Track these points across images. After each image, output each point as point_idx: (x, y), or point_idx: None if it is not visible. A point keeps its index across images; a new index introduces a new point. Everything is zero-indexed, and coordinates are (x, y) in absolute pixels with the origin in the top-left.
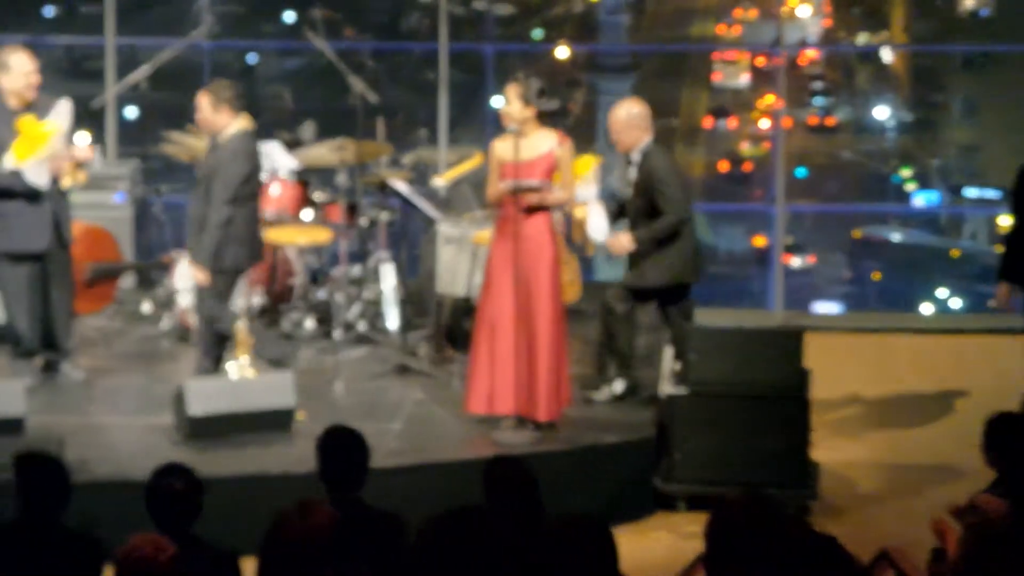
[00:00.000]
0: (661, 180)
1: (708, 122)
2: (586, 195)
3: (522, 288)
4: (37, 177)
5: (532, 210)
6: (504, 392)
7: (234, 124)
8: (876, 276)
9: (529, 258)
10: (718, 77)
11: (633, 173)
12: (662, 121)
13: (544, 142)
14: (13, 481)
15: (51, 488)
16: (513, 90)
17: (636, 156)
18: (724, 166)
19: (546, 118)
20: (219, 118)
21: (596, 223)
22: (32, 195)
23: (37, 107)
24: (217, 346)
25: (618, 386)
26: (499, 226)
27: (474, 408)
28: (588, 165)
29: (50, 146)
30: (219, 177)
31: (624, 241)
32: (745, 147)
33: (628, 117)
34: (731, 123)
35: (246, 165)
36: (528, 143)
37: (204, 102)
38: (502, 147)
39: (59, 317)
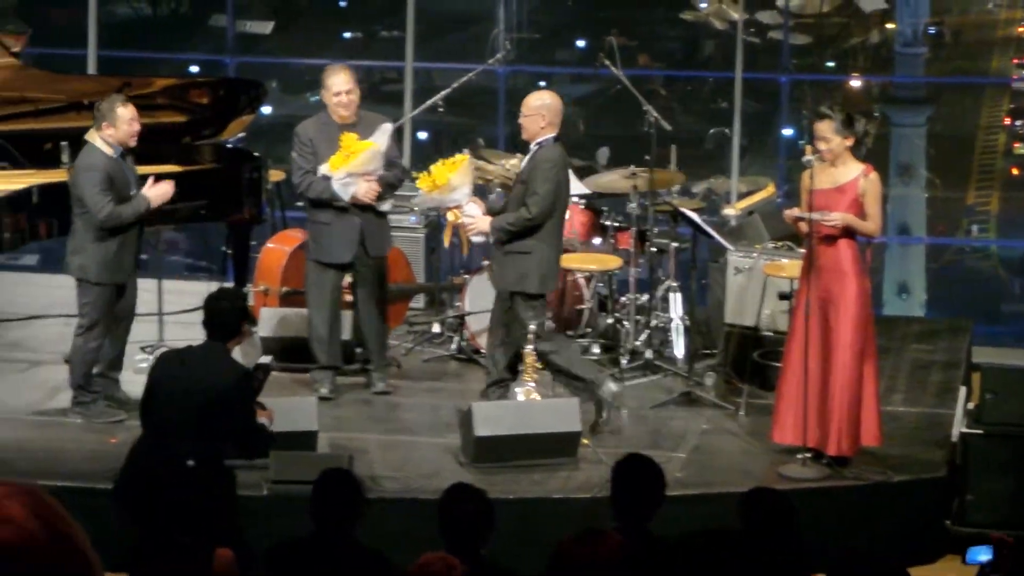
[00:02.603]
0: (539, 175)
1: (1006, 121)
2: (461, 196)
3: (820, 319)
4: (342, 188)
5: (834, 240)
6: (798, 424)
7: None
8: None
9: (830, 289)
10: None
11: (524, 163)
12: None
13: (849, 172)
14: (312, 495)
15: (346, 504)
16: (827, 126)
17: (533, 147)
18: (1015, 171)
19: (855, 149)
20: None
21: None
22: (340, 206)
23: (361, 123)
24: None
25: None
26: (805, 256)
27: (775, 439)
28: (456, 167)
29: (363, 161)
30: None
31: (481, 223)
32: (1018, 146)
33: (538, 106)
34: None
35: None
36: (833, 173)
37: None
38: (807, 177)
39: (367, 328)
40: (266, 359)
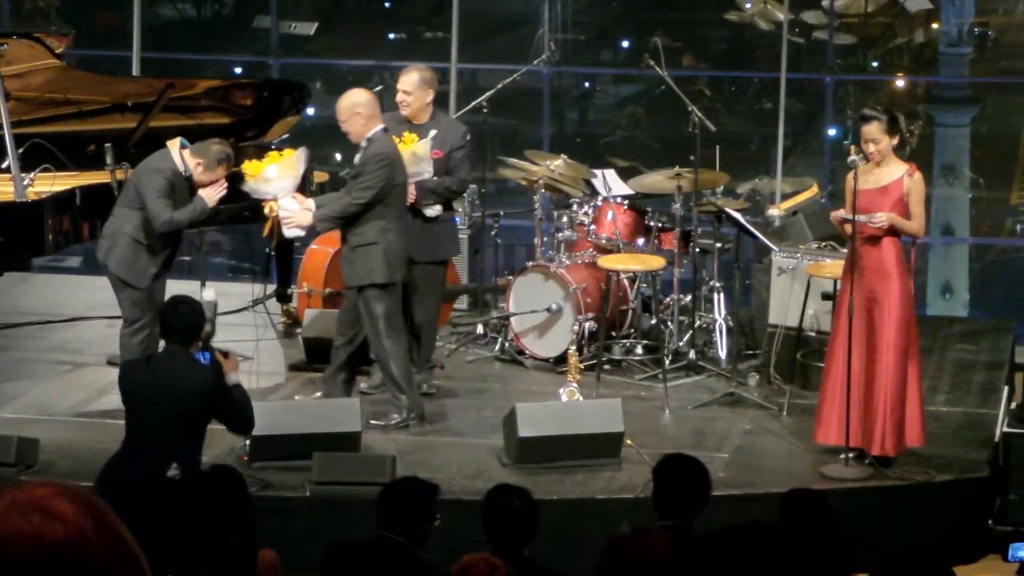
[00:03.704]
0: (367, 165)
1: None
2: (276, 189)
3: (864, 320)
4: None
5: (877, 241)
6: (841, 424)
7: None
8: None
9: (873, 290)
10: None
11: (356, 158)
12: (1006, 133)
13: (893, 172)
14: (379, 502)
15: (413, 516)
16: (876, 127)
17: (363, 143)
18: None
19: (899, 149)
20: None
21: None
22: None
23: (432, 125)
24: None
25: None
26: (847, 256)
27: (818, 439)
28: (273, 160)
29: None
30: None
31: (299, 217)
32: None
33: (351, 106)
34: None
35: None
36: (877, 173)
37: None
38: (852, 178)
39: (418, 327)
40: (209, 294)
